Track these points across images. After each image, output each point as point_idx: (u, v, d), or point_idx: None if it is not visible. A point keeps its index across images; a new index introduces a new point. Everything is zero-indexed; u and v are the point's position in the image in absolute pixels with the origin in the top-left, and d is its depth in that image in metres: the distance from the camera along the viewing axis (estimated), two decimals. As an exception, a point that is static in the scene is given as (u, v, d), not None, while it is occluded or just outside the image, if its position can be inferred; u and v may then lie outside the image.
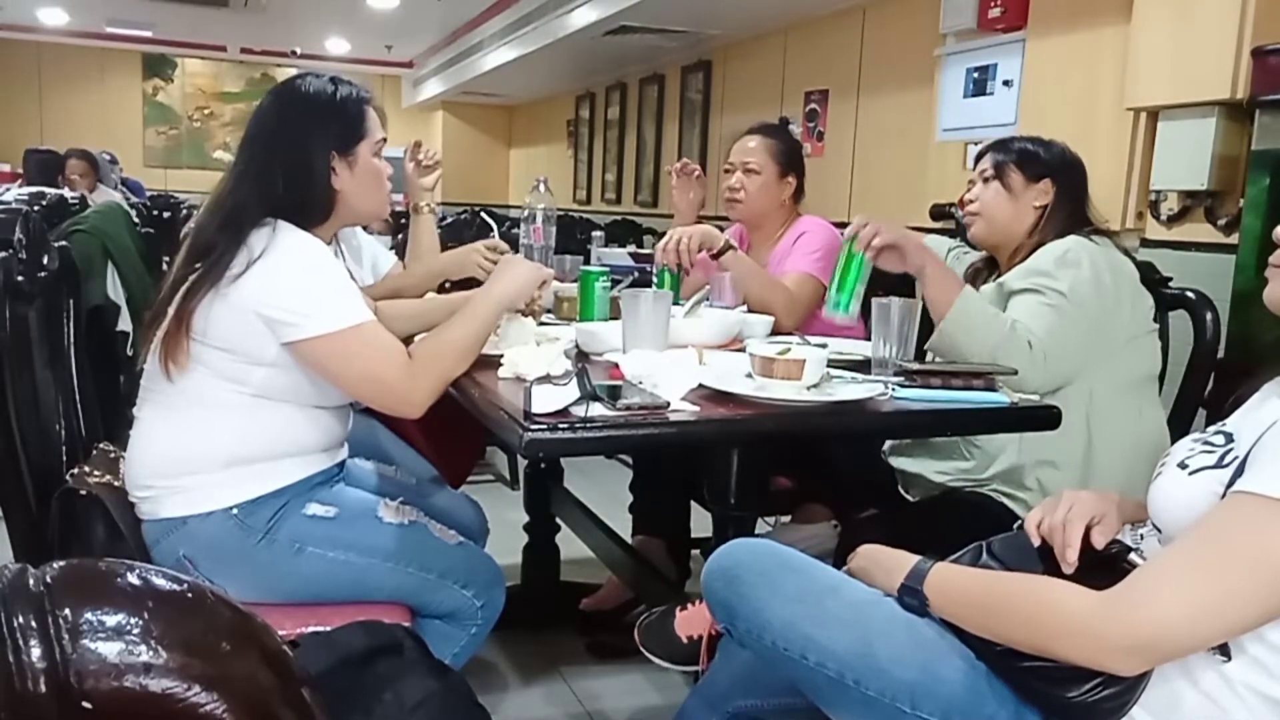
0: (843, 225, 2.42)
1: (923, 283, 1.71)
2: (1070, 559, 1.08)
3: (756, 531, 1.66)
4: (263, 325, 1.42)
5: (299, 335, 1.41)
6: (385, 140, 1.61)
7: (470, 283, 2.09)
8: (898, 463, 1.92)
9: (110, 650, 0.45)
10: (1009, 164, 1.84)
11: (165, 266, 1.56)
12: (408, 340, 1.59)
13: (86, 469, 1.50)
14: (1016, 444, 1.74)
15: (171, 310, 1.45)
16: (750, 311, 2.13)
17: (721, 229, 2.47)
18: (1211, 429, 1.09)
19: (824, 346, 1.59)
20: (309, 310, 1.41)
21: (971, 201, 1.88)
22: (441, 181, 2.40)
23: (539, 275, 1.63)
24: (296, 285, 1.42)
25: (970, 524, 1.37)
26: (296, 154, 1.51)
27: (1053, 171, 1.82)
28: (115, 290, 2.52)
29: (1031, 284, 1.71)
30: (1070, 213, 1.82)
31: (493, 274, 1.62)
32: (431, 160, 2.34)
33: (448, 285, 2.21)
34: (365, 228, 2.67)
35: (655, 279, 2.23)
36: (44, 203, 3.00)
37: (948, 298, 1.66)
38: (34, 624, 0.44)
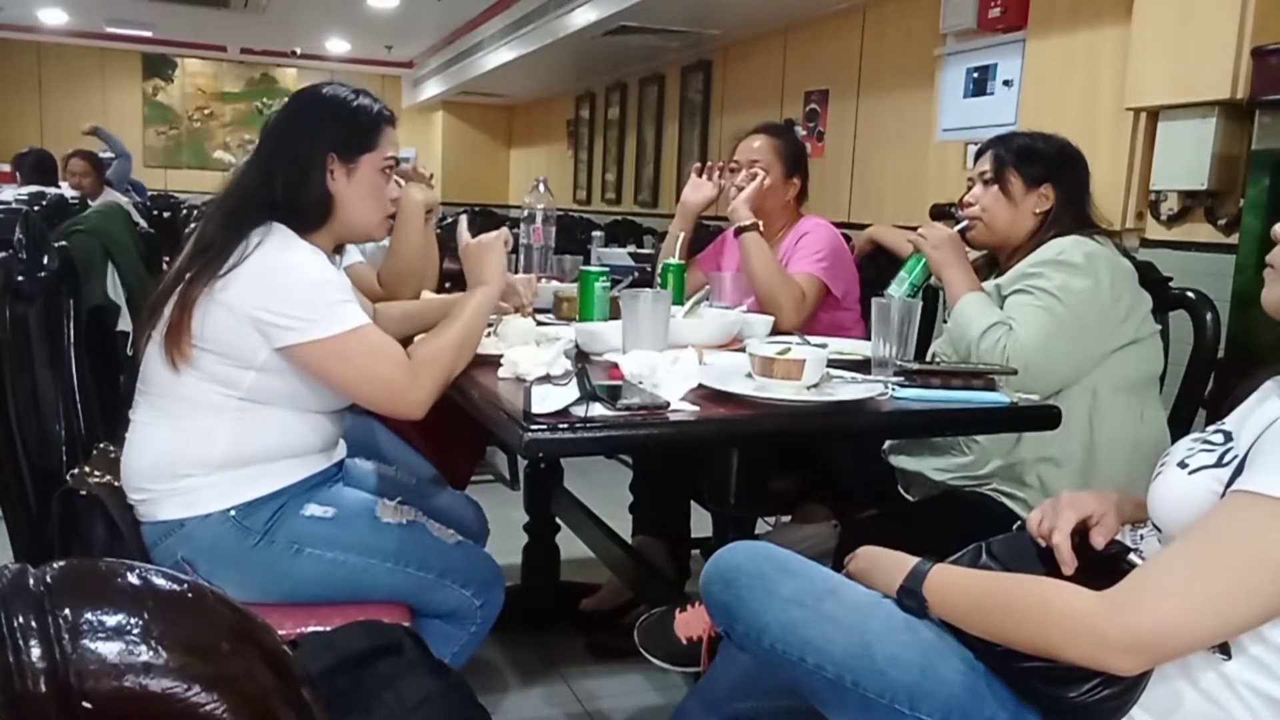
0: (842, 225, 2.43)
1: (944, 284, 1.86)
2: (1056, 541, 1.08)
3: (757, 531, 1.67)
4: (255, 330, 1.41)
5: (296, 340, 1.41)
6: (395, 161, 1.60)
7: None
8: (897, 461, 1.92)
9: (110, 650, 0.45)
10: (1009, 167, 1.82)
11: (165, 266, 1.56)
12: (406, 341, 1.59)
13: (86, 469, 1.50)
14: (1016, 441, 1.74)
15: (170, 305, 1.45)
16: (757, 304, 2.13)
17: (721, 229, 2.46)
18: (1211, 428, 1.09)
19: (824, 346, 1.59)
20: (306, 315, 1.41)
21: (970, 204, 1.87)
22: (441, 181, 2.38)
23: (499, 243, 1.64)
24: (292, 290, 1.42)
25: (970, 524, 1.37)
26: (297, 148, 1.52)
27: (1053, 174, 1.81)
28: (115, 290, 2.52)
29: (1024, 285, 1.73)
30: (1073, 215, 1.81)
31: (466, 270, 1.63)
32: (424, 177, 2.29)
33: (448, 285, 2.20)
34: None
35: (659, 277, 2.23)
36: (44, 203, 3.00)
37: (958, 296, 1.80)
38: (34, 624, 0.44)
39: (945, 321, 1.89)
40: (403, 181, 2.10)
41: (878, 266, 2.45)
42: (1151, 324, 1.79)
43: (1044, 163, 1.82)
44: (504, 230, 1.68)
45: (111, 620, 0.46)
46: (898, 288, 1.90)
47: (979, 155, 1.91)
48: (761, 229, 2.22)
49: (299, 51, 9.48)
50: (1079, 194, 1.83)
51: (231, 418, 1.47)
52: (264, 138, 1.57)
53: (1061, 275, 1.69)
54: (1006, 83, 3.40)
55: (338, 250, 1.63)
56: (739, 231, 2.22)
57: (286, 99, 1.62)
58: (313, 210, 1.53)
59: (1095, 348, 1.71)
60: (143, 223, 3.10)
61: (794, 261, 2.27)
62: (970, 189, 1.89)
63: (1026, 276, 1.73)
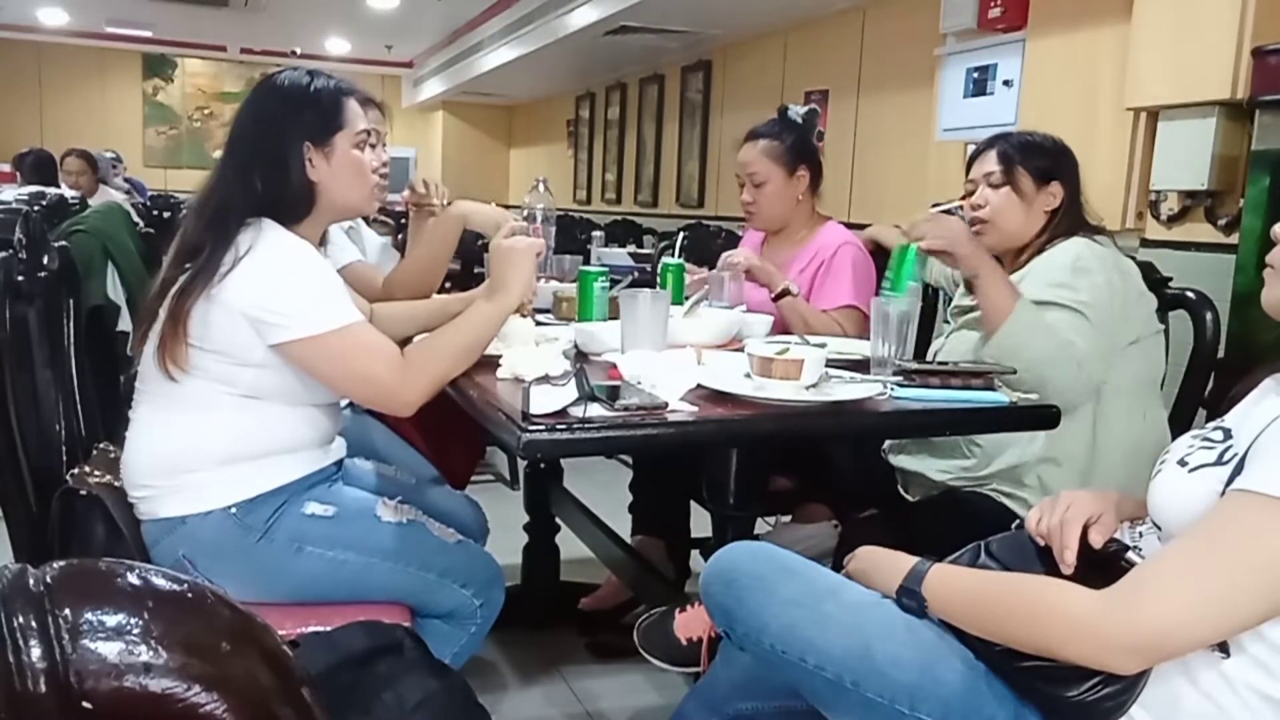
0: (846, 225, 2.42)
1: (977, 289, 1.68)
2: (1068, 560, 1.08)
3: (756, 531, 1.67)
4: (250, 327, 1.42)
5: (286, 336, 1.41)
6: (370, 132, 1.58)
7: (468, 284, 2.07)
8: (898, 461, 1.91)
9: (110, 650, 0.45)
10: (1018, 166, 1.79)
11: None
12: (407, 341, 1.59)
13: (86, 469, 1.50)
14: (1019, 442, 1.73)
15: (164, 312, 1.45)
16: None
17: (739, 238, 2.43)
18: (1210, 425, 1.09)
19: (823, 346, 1.59)
20: (296, 311, 1.41)
21: (980, 207, 1.82)
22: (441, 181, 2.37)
23: (533, 254, 1.56)
24: (283, 287, 1.42)
25: (970, 524, 1.37)
26: (271, 146, 1.50)
27: (1059, 171, 1.80)
28: (115, 290, 2.52)
29: (1055, 297, 1.67)
30: (1075, 214, 1.80)
31: (492, 278, 1.56)
32: (440, 199, 2.22)
33: (447, 285, 2.20)
34: (367, 222, 2.64)
35: (659, 278, 2.22)
36: (44, 203, 2.99)
37: (1004, 306, 1.64)
38: (34, 624, 0.44)
39: (947, 321, 1.88)
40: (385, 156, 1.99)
41: (878, 267, 2.45)
42: (1155, 323, 1.78)
43: (1048, 157, 1.80)
44: (539, 241, 1.60)
45: (111, 620, 0.46)
46: (901, 295, 1.72)
47: (976, 157, 1.87)
48: (796, 292, 2.16)
49: (299, 51, 9.47)
50: (1078, 192, 1.83)
51: (231, 414, 1.48)
52: (233, 139, 1.54)
53: (1087, 283, 1.66)
54: (1006, 83, 3.40)
55: (322, 242, 1.63)
56: (777, 297, 2.15)
57: (249, 94, 1.57)
58: (297, 201, 1.52)
59: (1114, 349, 1.70)
60: (142, 223, 3.10)
61: (829, 292, 2.23)
62: (971, 192, 1.85)
63: (1053, 287, 1.67)
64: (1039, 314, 1.65)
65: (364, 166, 1.57)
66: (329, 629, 1.35)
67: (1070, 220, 1.79)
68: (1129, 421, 1.72)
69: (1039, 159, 1.80)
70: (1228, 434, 1.04)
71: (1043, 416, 1.52)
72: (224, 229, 1.44)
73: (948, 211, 1.82)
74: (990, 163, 1.82)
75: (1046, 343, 1.62)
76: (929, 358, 1.88)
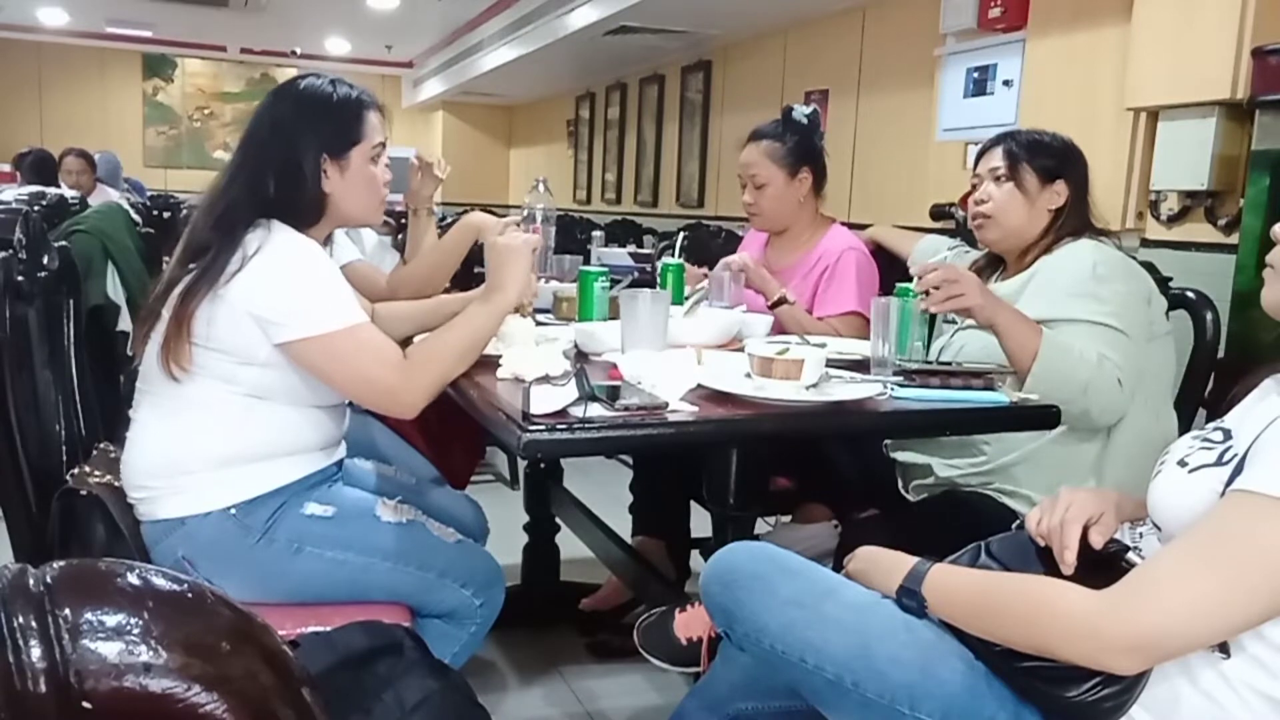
0: (846, 226, 2.42)
1: (999, 336, 1.61)
2: (1068, 560, 1.08)
3: (757, 531, 1.67)
4: (255, 325, 1.42)
5: (290, 336, 1.41)
6: (384, 145, 1.59)
7: (469, 285, 2.08)
8: (902, 456, 1.90)
9: (110, 650, 0.45)
10: (1023, 163, 1.79)
11: (165, 267, 1.56)
12: (407, 341, 1.59)
13: (86, 469, 1.50)
14: (1028, 440, 1.71)
15: (168, 312, 1.45)
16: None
17: (740, 238, 2.42)
18: (1210, 425, 1.09)
19: (823, 346, 1.59)
20: (300, 310, 1.41)
21: (983, 202, 1.82)
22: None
23: (526, 249, 1.54)
24: (289, 286, 1.42)
25: (970, 524, 1.37)
26: (287, 154, 1.51)
27: (1065, 170, 1.79)
28: (115, 290, 2.51)
29: (1081, 312, 1.64)
30: (1080, 214, 1.80)
31: (489, 277, 1.56)
32: (443, 173, 2.28)
33: (448, 286, 2.20)
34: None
35: (658, 278, 2.22)
36: (44, 203, 2.99)
37: (1029, 346, 1.58)
38: (34, 624, 0.44)
39: (950, 321, 1.88)
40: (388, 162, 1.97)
41: (880, 267, 2.45)
42: (1165, 323, 1.78)
43: (1055, 157, 1.80)
44: (534, 237, 1.59)
45: (111, 620, 0.46)
46: (905, 354, 1.66)
47: (984, 153, 1.87)
48: (791, 299, 2.14)
49: (299, 51, 9.47)
50: (1085, 191, 1.82)
51: (233, 415, 1.48)
52: (249, 143, 1.54)
53: (1110, 291, 1.65)
54: (1006, 83, 3.40)
55: (326, 242, 1.63)
56: (773, 306, 2.14)
57: (267, 96, 1.58)
58: (308, 210, 1.53)
59: (1140, 352, 1.69)
60: (142, 222, 3.10)
61: (832, 299, 2.22)
62: (976, 188, 1.86)
63: (1080, 297, 1.65)
64: (1065, 346, 1.59)
65: (377, 180, 1.59)
66: (329, 629, 1.35)
67: (1075, 220, 1.79)
68: (1144, 422, 1.71)
69: (1045, 157, 1.80)
70: (1227, 434, 1.04)
71: (1043, 417, 1.52)
72: (232, 230, 1.45)
73: (947, 214, 1.82)
74: (996, 159, 1.83)
75: (1080, 371, 1.59)
76: (931, 357, 1.88)
